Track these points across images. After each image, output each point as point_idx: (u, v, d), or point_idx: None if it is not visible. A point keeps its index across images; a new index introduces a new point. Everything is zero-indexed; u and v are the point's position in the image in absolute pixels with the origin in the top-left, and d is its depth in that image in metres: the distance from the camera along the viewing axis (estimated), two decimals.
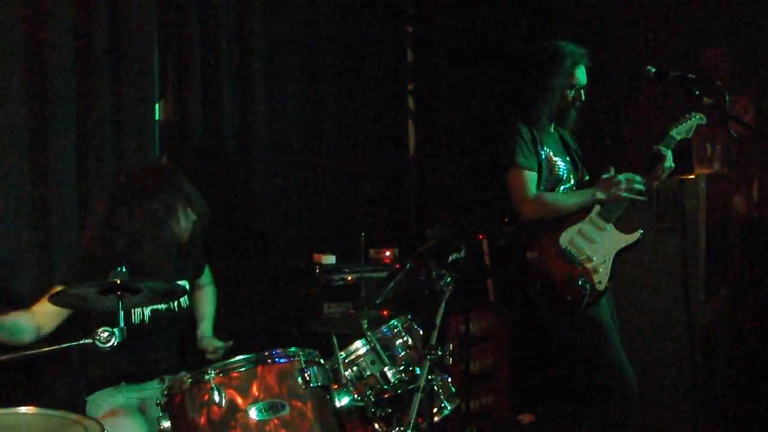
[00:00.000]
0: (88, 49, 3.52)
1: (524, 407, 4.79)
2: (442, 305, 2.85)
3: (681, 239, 4.11)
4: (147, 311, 2.93)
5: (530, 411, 4.78)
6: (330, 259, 4.24)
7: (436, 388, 2.94)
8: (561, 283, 3.24)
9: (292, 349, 2.59)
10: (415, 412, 2.67)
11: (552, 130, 3.51)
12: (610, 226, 3.31)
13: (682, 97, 3.14)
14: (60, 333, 2.77)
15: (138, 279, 2.47)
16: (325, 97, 4.67)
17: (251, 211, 4.25)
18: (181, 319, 3.07)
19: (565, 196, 3.38)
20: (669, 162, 3.33)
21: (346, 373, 2.84)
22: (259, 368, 2.49)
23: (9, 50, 3.28)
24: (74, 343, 2.29)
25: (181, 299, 3.02)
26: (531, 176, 3.32)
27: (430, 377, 2.77)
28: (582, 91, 3.43)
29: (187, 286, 3.03)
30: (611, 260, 3.28)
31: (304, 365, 2.54)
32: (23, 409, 2.25)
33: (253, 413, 2.42)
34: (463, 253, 3.01)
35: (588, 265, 3.25)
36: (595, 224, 3.31)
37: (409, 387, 2.83)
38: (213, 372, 2.44)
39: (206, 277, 3.36)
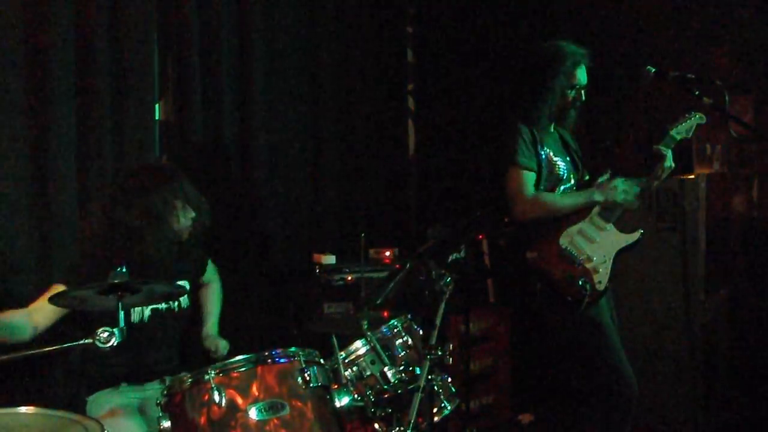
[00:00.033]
0: (88, 50, 3.52)
1: (524, 407, 4.79)
2: (442, 305, 2.84)
3: (681, 239, 4.11)
4: (147, 311, 2.93)
5: (530, 411, 4.78)
6: (330, 259, 4.23)
7: (436, 388, 2.93)
8: (561, 283, 3.24)
9: (292, 349, 2.59)
10: (415, 412, 2.65)
11: (552, 130, 3.51)
12: (610, 226, 3.31)
13: (682, 97, 3.14)
14: (60, 333, 2.77)
15: (138, 279, 2.47)
16: (325, 97, 4.67)
17: (251, 211, 4.25)
18: (182, 318, 3.07)
19: (562, 198, 3.38)
20: (669, 162, 3.34)
21: (346, 373, 2.83)
22: (259, 368, 2.49)
23: (9, 50, 3.28)
24: (74, 343, 2.30)
25: (182, 299, 3.02)
26: (530, 176, 3.32)
27: (430, 377, 2.76)
28: (582, 91, 3.43)
29: (188, 286, 3.03)
30: (611, 260, 3.28)
31: (304, 365, 2.55)
32: (23, 409, 2.26)
33: (253, 413, 2.42)
34: (463, 253, 3.01)
35: (588, 265, 3.25)
36: (596, 224, 3.31)
37: (409, 387, 2.83)
38: (213, 372, 2.44)
39: (211, 273, 3.34)
